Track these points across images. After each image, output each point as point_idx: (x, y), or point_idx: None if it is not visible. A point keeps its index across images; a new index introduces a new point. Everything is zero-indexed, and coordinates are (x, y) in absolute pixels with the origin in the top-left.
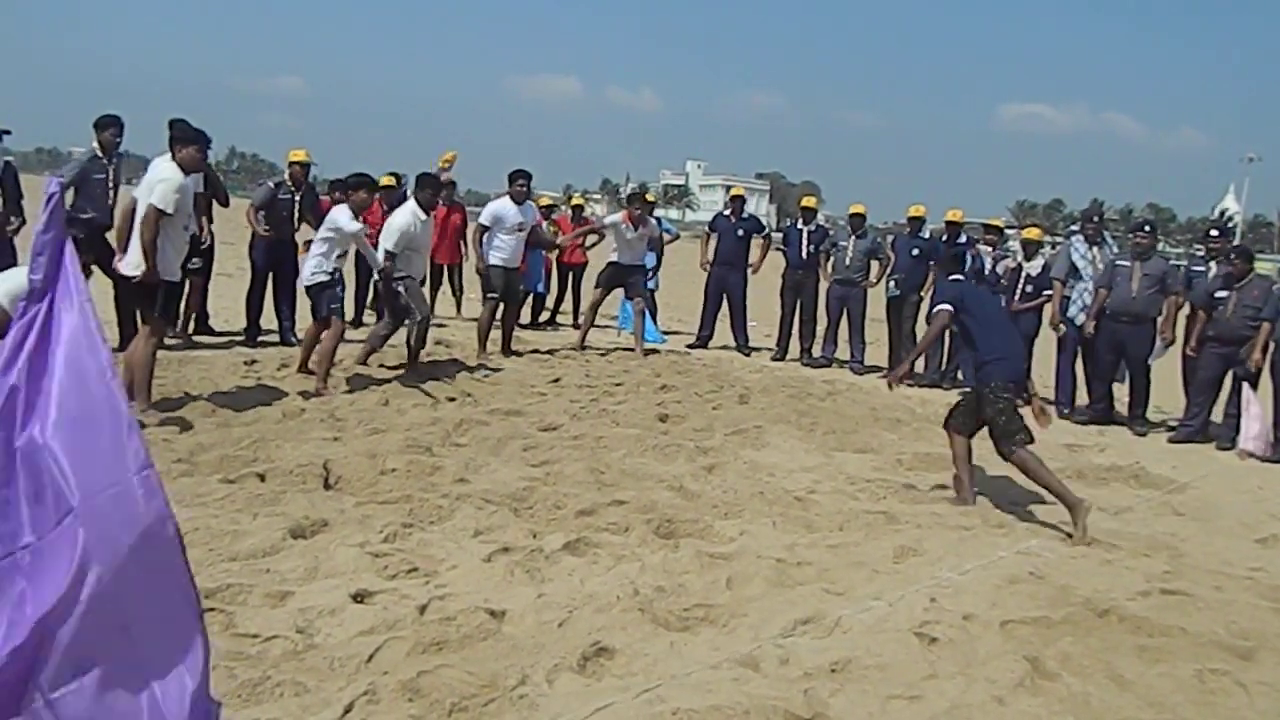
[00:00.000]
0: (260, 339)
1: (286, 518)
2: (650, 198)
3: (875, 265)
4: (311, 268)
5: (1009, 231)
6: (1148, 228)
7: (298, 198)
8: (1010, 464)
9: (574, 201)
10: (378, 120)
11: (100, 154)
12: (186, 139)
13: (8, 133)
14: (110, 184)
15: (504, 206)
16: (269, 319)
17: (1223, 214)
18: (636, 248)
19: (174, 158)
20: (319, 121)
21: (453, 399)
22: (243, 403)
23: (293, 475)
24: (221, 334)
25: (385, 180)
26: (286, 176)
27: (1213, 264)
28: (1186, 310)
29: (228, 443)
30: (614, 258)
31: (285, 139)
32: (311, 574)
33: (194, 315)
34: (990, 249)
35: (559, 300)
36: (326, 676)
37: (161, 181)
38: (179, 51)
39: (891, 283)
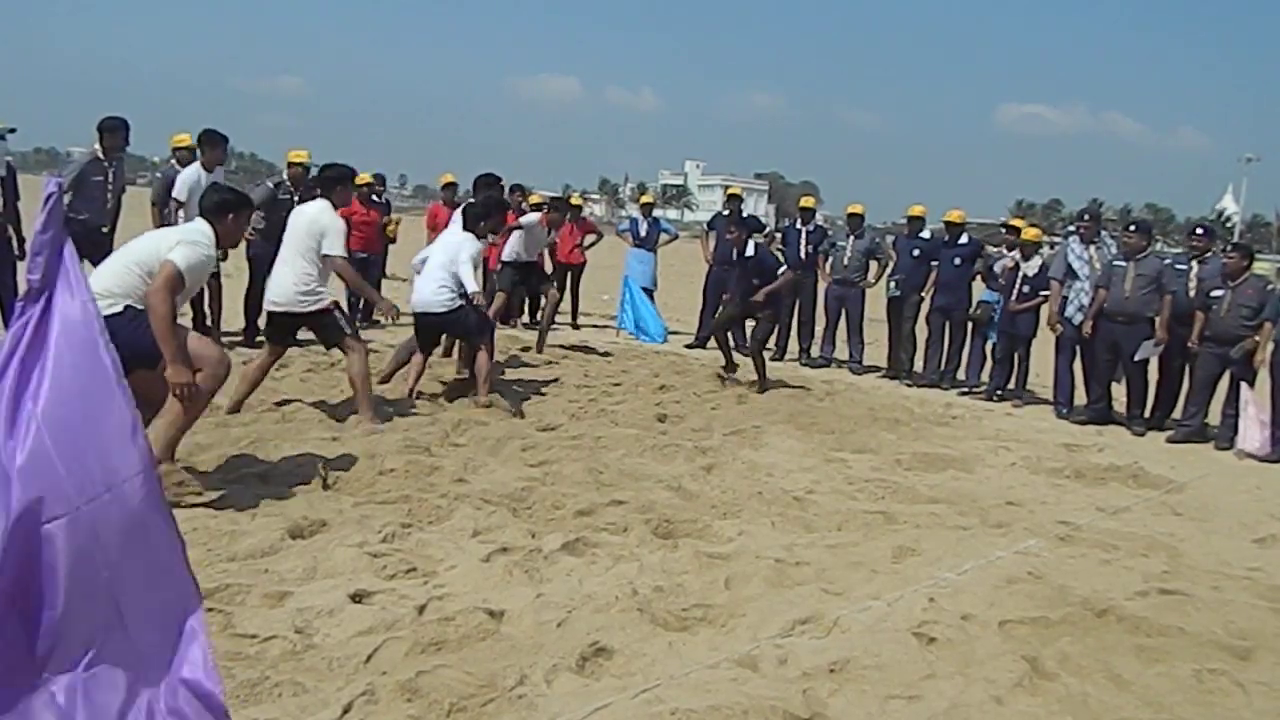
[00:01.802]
0: (258, 339)
1: (285, 518)
2: (649, 198)
3: (874, 265)
4: (444, 297)
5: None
6: (1134, 227)
7: (297, 198)
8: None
9: (573, 201)
10: (377, 120)
11: (101, 156)
12: (344, 177)
13: (12, 131)
14: (109, 186)
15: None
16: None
17: (1220, 214)
18: (536, 248)
19: (325, 195)
20: (318, 121)
21: (450, 399)
22: (244, 404)
23: (291, 475)
24: (220, 334)
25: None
26: (286, 177)
27: (1194, 263)
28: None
29: (226, 443)
30: (514, 258)
31: (284, 139)
32: (310, 574)
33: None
34: (1006, 249)
35: (557, 300)
36: (325, 677)
37: (330, 233)
38: (177, 51)
39: (892, 283)
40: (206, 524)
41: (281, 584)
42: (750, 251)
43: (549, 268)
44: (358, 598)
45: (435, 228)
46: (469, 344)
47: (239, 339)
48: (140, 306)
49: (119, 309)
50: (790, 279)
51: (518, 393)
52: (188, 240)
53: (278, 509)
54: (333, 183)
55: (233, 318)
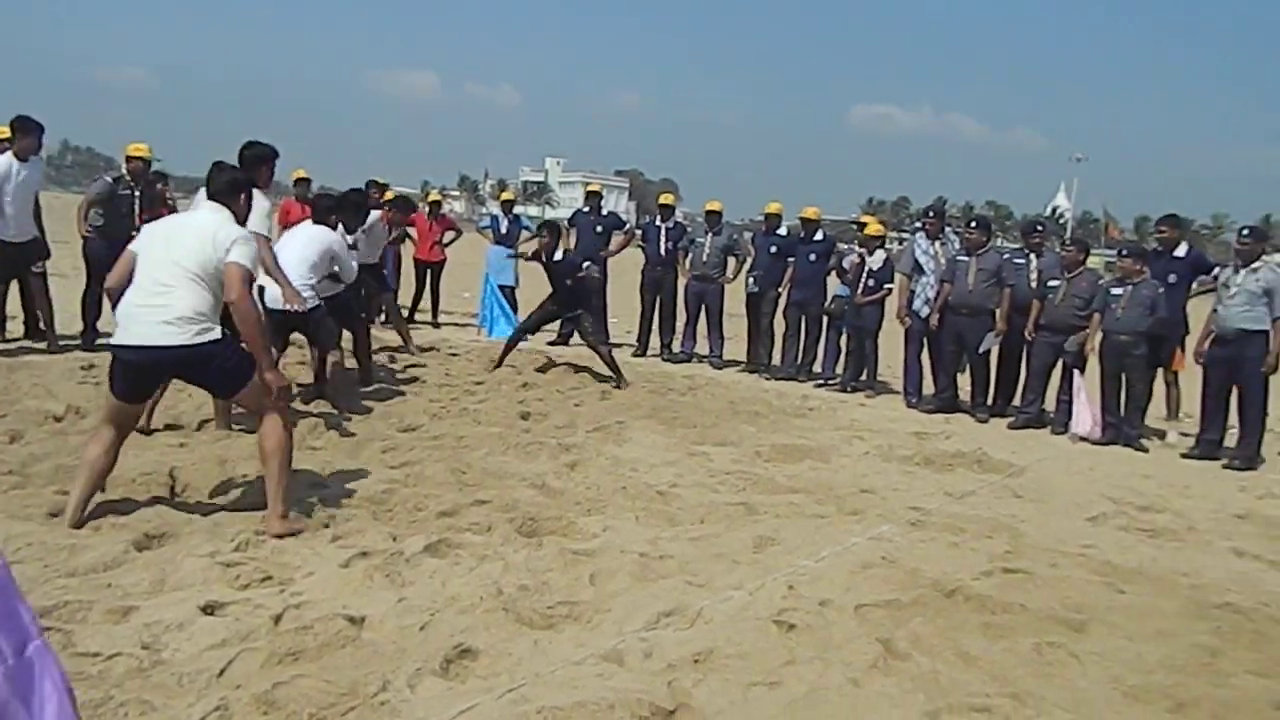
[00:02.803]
0: (98, 343)
1: (129, 529)
2: (509, 195)
3: (732, 261)
4: (307, 293)
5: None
6: (975, 223)
7: (137, 194)
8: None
9: (431, 198)
10: (227, 114)
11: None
12: (265, 157)
13: None
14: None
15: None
16: (106, 322)
17: (1054, 210)
18: (376, 248)
19: (258, 184)
20: (161, 114)
21: (307, 401)
22: (80, 410)
23: (136, 484)
24: (56, 338)
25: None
26: (125, 171)
27: (1033, 256)
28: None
29: (64, 452)
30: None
31: (125, 133)
32: (158, 587)
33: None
34: (858, 245)
35: (417, 298)
36: (174, 693)
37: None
38: (6, 36)
39: (751, 279)
40: (43, 539)
41: (126, 598)
42: (559, 256)
43: (410, 265)
44: (209, 609)
45: (286, 224)
46: (320, 347)
47: (76, 343)
48: (225, 332)
49: (218, 334)
50: (590, 275)
51: (377, 393)
52: (241, 237)
53: (121, 520)
54: (257, 162)
55: (69, 320)
